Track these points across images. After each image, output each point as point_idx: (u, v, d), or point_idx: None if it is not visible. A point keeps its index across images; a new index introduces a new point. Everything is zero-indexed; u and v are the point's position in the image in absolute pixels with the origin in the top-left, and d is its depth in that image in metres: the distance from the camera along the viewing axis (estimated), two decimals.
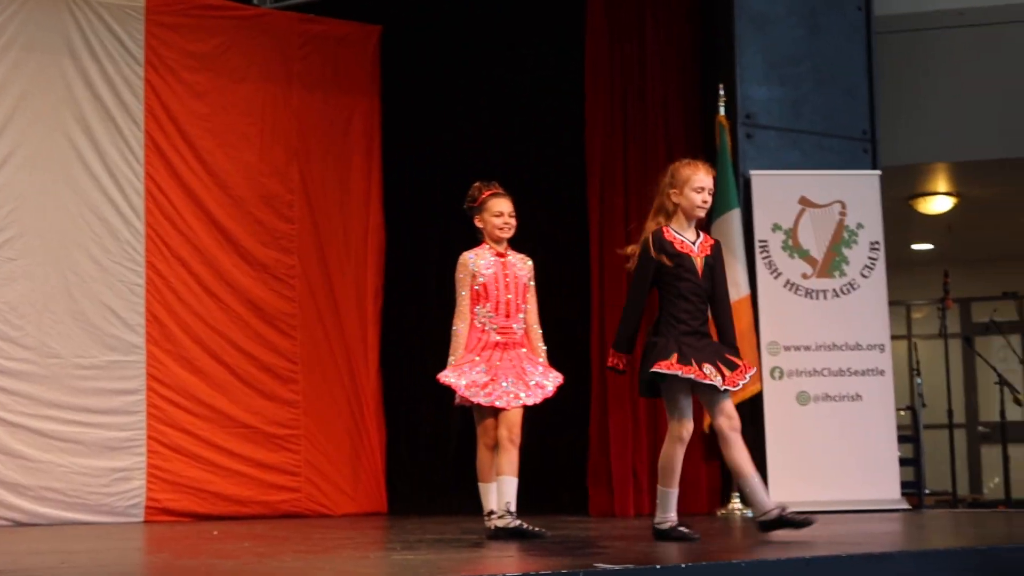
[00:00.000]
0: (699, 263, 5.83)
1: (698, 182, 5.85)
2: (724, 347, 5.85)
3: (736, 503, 8.59)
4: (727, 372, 5.74)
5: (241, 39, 10.00)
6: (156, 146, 9.60)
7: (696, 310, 5.79)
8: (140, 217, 9.51)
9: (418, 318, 10.21)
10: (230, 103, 9.91)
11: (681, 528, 5.77)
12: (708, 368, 5.68)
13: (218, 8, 9.97)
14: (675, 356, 5.66)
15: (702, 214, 5.91)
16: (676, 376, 5.66)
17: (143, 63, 9.60)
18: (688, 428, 5.77)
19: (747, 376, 5.84)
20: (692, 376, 5.65)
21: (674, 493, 5.85)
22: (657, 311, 5.88)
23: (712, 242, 5.96)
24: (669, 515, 5.83)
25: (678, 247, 5.83)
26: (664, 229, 5.88)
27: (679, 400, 5.74)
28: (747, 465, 5.79)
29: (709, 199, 5.89)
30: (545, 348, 6.47)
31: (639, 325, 5.89)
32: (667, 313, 5.81)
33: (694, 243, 5.87)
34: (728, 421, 5.78)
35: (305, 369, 9.99)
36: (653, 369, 5.67)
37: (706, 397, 5.77)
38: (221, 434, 9.57)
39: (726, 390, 5.73)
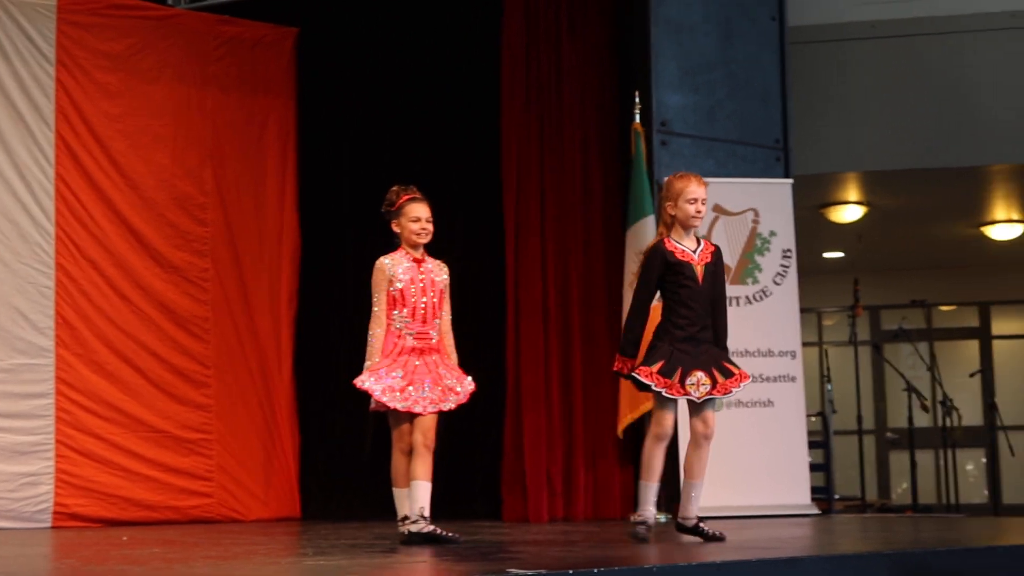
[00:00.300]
0: (700, 270, 6.09)
1: (691, 194, 6.10)
2: (723, 354, 6.11)
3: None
4: (720, 379, 6.02)
5: (155, 39, 9.89)
6: (67, 147, 9.47)
7: (696, 316, 6.05)
8: (50, 219, 9.38)
9: (333, 322, 10.16)
10: (143, 104, 9.80)
11: (640, 527, 6.06)
12: (698, 376, 5.96)
13: (132, 8, 9.85)
14: (660, 364, 5.94)
15: (697, 223, 6.16)
16: (650, 386, 5.95)
17: (54, 62, 9.46)
18: (666, 426, 6.00)
19: (742, 385, 6.10)
20: (662, 391, 5.93)
21: (652, 487, 6.10)
22: (661, 317, 6.13)
23: (712, 249, 6.21)
24: (645, 510, 6.12)
25: (679, 256, 6.09)
26: (665, 240, 6.14)
27: (659, 401, 6.01)
28: (701, 472, 6.10)
29: (703, 208, 6.14)
30: (456, 354, 6.47)
31: (642, 331, 6.13)
32: (667, 319, 6.08)
33: (695, 251, 6.14)
34: (703, 427, 6.05)
35: (218, 373, 9.90)
36: (633, 373, 5.98)
37: (692, 401, 6.02)
38: (132, 438, 9.45)
39: (709, 399, 5.99)
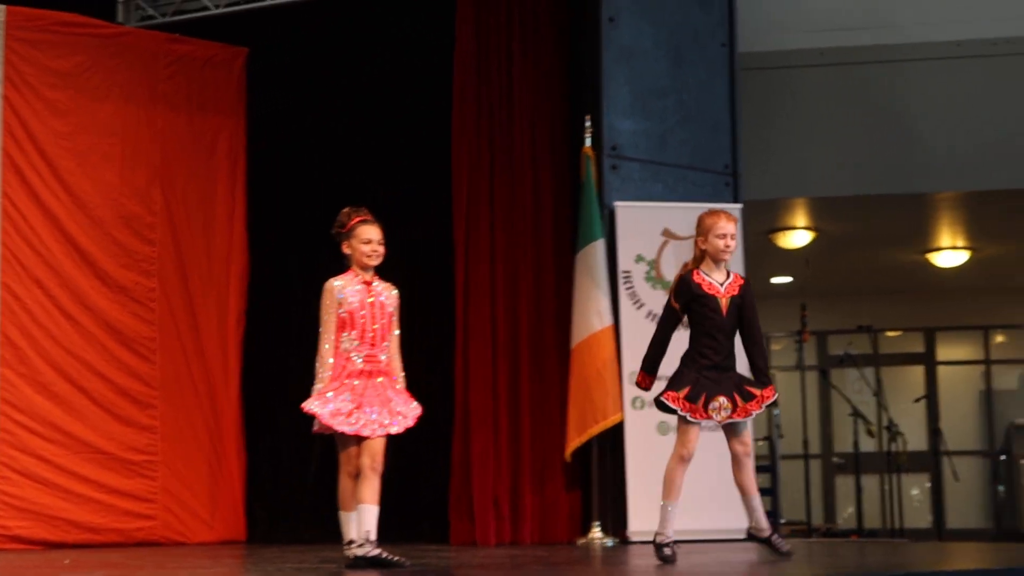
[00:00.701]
0: (724, 303, 6.35)
1: (720, 229, 6.38)
2: (745, 379, 6.39)
3: (596, 532, 8.64)
4: (741, 402, 6.30)
5: (104, 57, 9.83)
6: (13, 164, 9.38)
7: (720, 346, 6.32)
8: None
9: (281, 344, 10.11)
10: (92, 122, 9.73)
11: (666, 549, 6.26)
12: (720, 401, 6.25)
13: (81, 25, 9.78)
14: (686, 390, 6.24)
15: (727, 257, 6.41)
16: (676, 410, 6.25)
17: (2, 79, 9.37)
18: (690, 448, 6.30)
19: (763, 406, 6.36)
20: (687, 415, 6.23)
21: (675, 506, 6.36)
22: (688, 345, 6.41)
23: (742, 282, 6.45)
24: (667, 529, 6.33)
25: (705, 288, 6.35)
26: (693, 272, 6.41)
27: (684, 423, 6.29)
28: (752, 486, 6.44)
29: (732, 243, 6.40)
30: (404, 376, 6.45)
31: (663, 352, 6.45)
32: (693, 347, 6.36)
33: (722, 284, 6.39)
34: (741, 447, 6.38)
35: (164, 394, 9.81)
36: (662, 397, 6.28)
37: (725, 423, 6.34)
38: (75, 460, 9.34)
39: (739, 421, 6.33)
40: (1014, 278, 15.54)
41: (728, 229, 6.37)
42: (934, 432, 12.44)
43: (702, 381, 6.24)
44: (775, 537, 6.40)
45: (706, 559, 6.76)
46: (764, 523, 6.43)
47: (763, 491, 10.18)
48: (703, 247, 6.39)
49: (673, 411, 6.25)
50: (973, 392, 16.70)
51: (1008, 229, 13.24)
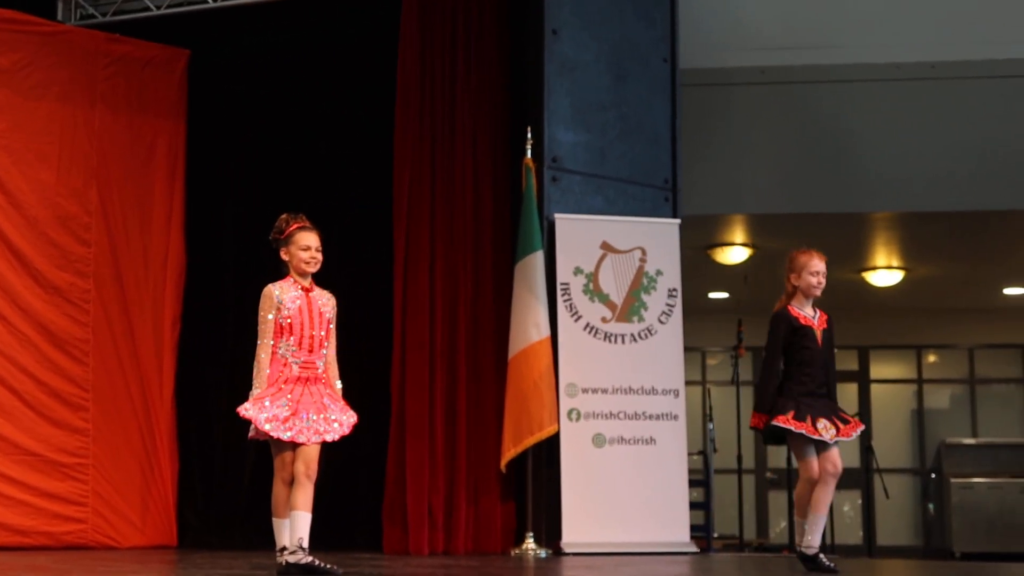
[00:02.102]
0: (819, 335, 6.80)
1: (813, 267, 6.86)
2: (838, 407, 6.80)
3: (530, 542, 8.64)
4: (841, 426, 6.66)
5: (43, 56, 9.73)
6: None
7: (816, 374, 6.73)
8: None
9: (216, 348, 10.05)
10: (28, 120, 9.63)
11: (823, 558, 6.56)
12: (823, 423, 6.60)
13: (19, 23, 9.68)
14: (792, 412, 6.59)
15: (817, 293, 6.86)
16: (790, 429, 6.58)
17: None
18: (812, 470, 6.60)
19: (855, 433, 6.70)
20: (803, 432, 6.56)
21: (815, 518, 6.61)
22: (784, 376, 6.79)
23: (827, 316, 6.92)
24: (813, 539, 6.63)
25: (803, 321, 6.80)
26: (788, 308, 6.85)
27: (801, 447, 6.64)
28: (825, 507, 6.66)
29: (823, 281, 6.87)
30: (341, 385, 6.43)
31: (775, 388, 6.74)
32: (789, 377, 6.75)
33: (814, 318, 6.85)
34: (832, 466, 6.62)
35: (96, 396, 9.72)
36: (773, 422, 6.60)
37: (820, 444, 6.62)
38: (4, 461, 9.23)
39: (836, 441, 6.62)
40: (947, 299, 15.73)
41: (821, 267, 6.84)
42: (866, 449, 12.52)
43: (803, 406, 6.60)
44: (821, 556, 6.57)
45: (637, 571, 6.79)
46: (816, 542, 6.61)
47: (696, 505, 10.30)
48: (796, 283, 6.84)
49: (786, 431, 6.56)
50: (905, 411, 16.88)
51: (942, 250, 13.41)
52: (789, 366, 6.77)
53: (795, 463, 12.06)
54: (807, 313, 6.82)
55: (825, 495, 6.63)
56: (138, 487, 9.83)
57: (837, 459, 6.64)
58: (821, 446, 6.61)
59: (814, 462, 6.60)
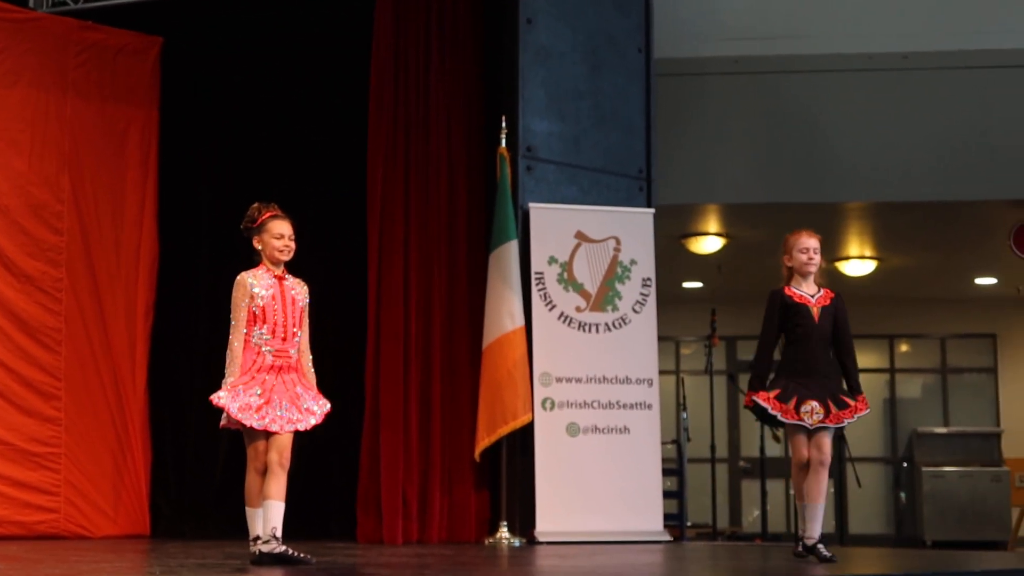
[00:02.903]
0: (816, 311, 6.68)
1: (802, 244, 6.81)
2: (840, 388, 6.65)
3: (504, 532, 8.66)
4: (834, 409, 6.52)
5: (14, 43, 9.66)
6: None
7: (812, 352, 6.62)
8: None
9: (189, 337, 10.02)
10: None
11: (820, 547, 6.50)
12: (812, 405, 6.48)
13: None
14: (776, 392, 6.53)
15: (812, 269, 6.78)
16: (766, 409, 6.51)
17: None
18: (799, 453, 6.53)
19: (856, 416, 6.57)
20: (778, 414, 6.48)
21: (808, 508, 6.57)
22: (782, 355, 6.74)
23: (833, 295, 6.81)
24: (809, 529, 6.55)
25: (796, 299, 6.72)
26: (784, 288, 6.79)
27: (789, 429, 6.57)
28: (818, 495, 6.57)
29: (816, 257, 6.79)
30: (314, 373, 6.42)
31: (768, 369, 6.70)
32: (785, 357, 6.70)
33: (812, 296, 6.74)
34: (817, 453, 6.52)
35: (68, 385, 9.67)
36: (754, 398, 6.55)
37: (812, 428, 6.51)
38: None
39: (824, 426, 6.49)
40: (919, 288, 15.80)
41: (810, 244, 6.77)
42: (838, 439, 12.58)
43: (792, 386, 6.51)
44: (820, 546, 6.51)
45: (610, 560, 6.80)
46: (815, 532, 6.54)
47: (670, 494, 10.34)
48: (789, 264, 6.79)
49: (764, 410, 6.47)
50: (877, 400, 16.95)
51: (914, 240, 13.47)
52: (786, 346, 6.73)
53: (768, 452, 12.20)
54: (803, 291, 6.75)
55: (814, 483, 6.54)
56: (111, 476, 9.79)
57: (824, 445, 6.53)
58: (812, 430, 6.52)
59: (801, 446, 6.53)
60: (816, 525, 6.57)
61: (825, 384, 6.58)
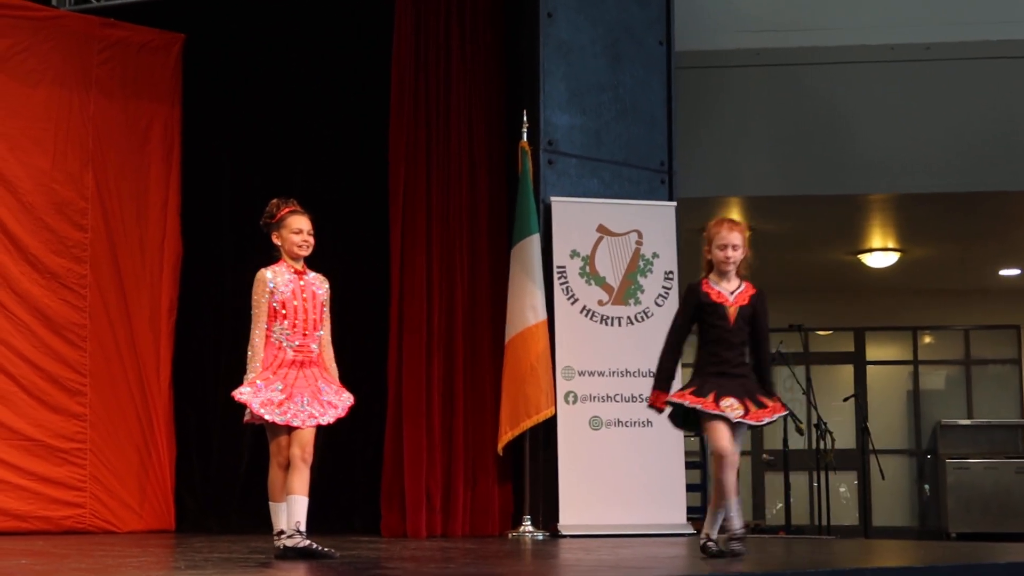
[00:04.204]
0: (732, 312, 6.26)
1: (721, 240, 6.33)
2: (759, 388, 6.26)
3: (527, 525, 8.67)
4: (753, 408, 6.16)
5: (38, 41, 9.72)
6: None
7: (727, 354, 6.24)
8: None
9: (213, 333, 10.06)
10: (23, 106, 9.62)
11: (710, 544, 6.12)
12: (730, 401, 6.10)
13: (13, 8, 9.67)
14: (692, 388, 6.16)
15: (729, 268, 6.32)
16: (683, 405, 6.15)
17: None
18: (719, 445, 6.08)
19: (774, 417, 6.22)
20: (697, 406, 6.10)
21: (723, 507, 6.16)
22: (696, 353, 6.34)
23: (753, 292, 6.36)
24: (710, 531, 6.18)
25: (713, 297, 6.29)
26: (703, 281, 6.36)
27: (708, 423, 6.12)
28: (725, 494, 6.15)
29: (733, 253, 6.31)
30: (337, 367, 6.44)
31: (674, 366, 6.35)
32: (700, 356, 6.31)
33: (731, 293, 6.31)
34: (734, 449, 6.13)
35: (94, 381, 9.73)
36: (669, 397, 6.21)
37: (730, 425, 6.13)
38: (3, 446, 9.26)
39: (740, 423, 6.13)
40: (942, 280, 15.74)
41: (729, 239, 6.31)
42: (862, 431, 12.54)
43: (708, 383, 6.17)
44: (735, 543, 6.12)
45: (634, 553, 6.81)
46: (735, 524, 6.16)
47: (693, 487, 10.32)
48: (709, 257, 6.37)
49: (680, 405, 6.15)
50: (901, 392, 16.90)
51: (937, 232, 13.42)
52: (700, 345, 6.33)
53: (791, 444, 12.17)
54: (722, 288, 6.30)
55: (716, 477, 6.16)
56: (136, 472, 9.85)
57: (738, 445, 6.15)
58: (731, 428, 6.10)
59: (720, 438, 6.07)
60: (717, 525, 6.19)
61: (743, 383, 6.21)
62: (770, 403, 6.22)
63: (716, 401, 6.09)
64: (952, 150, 11.15)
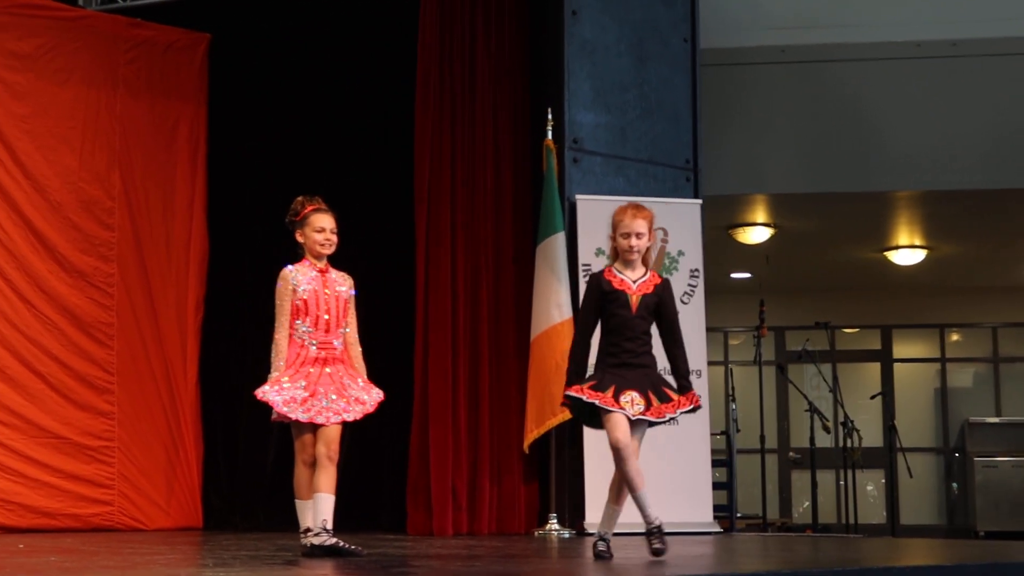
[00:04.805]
0: (635, 300, 6.04)
1: (623, 227, 6.10)
2: (665, 381, 6.06)
3: (553, 523, 8.67)
4: (656, 402, 5.95)
5: (65, 41, 9.77)
6: None
7: (629, 344, 6.01)
8: None
9: (239, 331, 10.09)
10: (51, 105, 9.68)
11: (600, 545, 5.98)
12: (631, 395, 5.90)
13: (42, 8, 9.73)
14: (592, 382, 5.95)
15: (632, 256, 6.09)
16: (581, 399, 5.93)
17: None
18: (613, 441, 5.87)
19: (679, 412, 6.01)
20: (595, 401, 5.89)
21: (618, 508, 6.06)
22: (599, 343, 6.12)
23: (659, 281, 6.14)
24: (606, 530, 6.06)
25: (615, 285, 6.07)
26: (606, 269, 6.15)
27: (607, 418, 5.92)
28: (643, 481, 5.98)
29: (637, 242, 6.08)
30: (364, 365, 6.45)
31: (585, 359, 6.10)
32: (602, 346, 6.09)
33: (635, 281, 6.08)
34: (632, 444, 5.91)
35: (121, 380, 9.78)
36: (566, 392, 6.00)
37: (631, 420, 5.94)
38: (31, 444, 9.30)
39: (642, 420, 5.93)
40: (970, 277, 15.68)
41: (633, 227, 6.09)
42: (889, 429, 12.51)
43: (608, 376, 5.95)
44: (655, 540, 5.93)
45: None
46: (650, 517, 5.98)
47: (719, 485, 10.30)
48: (613, 244, 6.17)
49: (579, 399, 5.93)
50: (928, 389, 16.85)
51: (965, 229, 13.36)
52: (602, 334, 6.10)
53: (818, 442, 12.15)
54: (625, 276, 6.08)
55: (620, 472, 5.95)
56: (163, 469, 9.90)
57: (638, 440, 5.96)
58: (632, 423, 5.91)
59: (617, 431, 5.86)
60: (610, 522, 6.06)
61: (648, 375, 6.00)
62: (676, 396, 6.02)
63: (616, 396, 5.90)
64: (979, 147, 11.11)
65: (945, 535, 15.13)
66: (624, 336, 6.02)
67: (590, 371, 6.10)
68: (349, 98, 10.14)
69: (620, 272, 6.11)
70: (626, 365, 5.98)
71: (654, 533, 5.93)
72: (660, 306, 6.10)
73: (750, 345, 12.94)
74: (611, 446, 5.92)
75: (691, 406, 6.06)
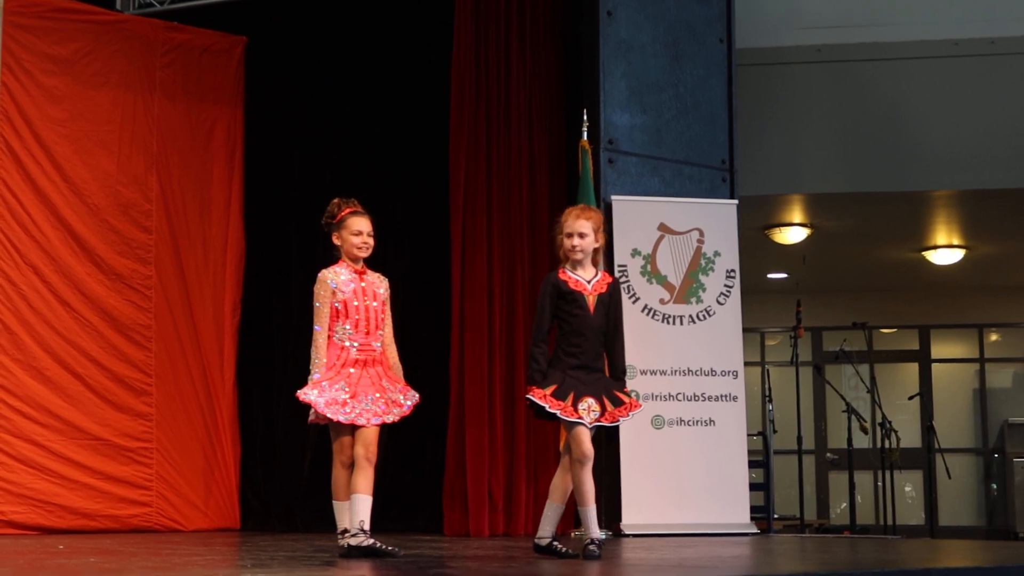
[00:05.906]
0: (591, 300, 6.11)
1: (567, 228, 6.17)
2: (615, 383, 6.16)
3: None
4: (610, 407, 6.06)
5: (102, 44, 9.83)
6: (10, 150, 9.39)
7: (587, 344, 6.09)
8: None
9: (277, 333, 10.13)
10: (89, 109, 9.74)
11: (556, 544, 6.15)
12: (589, 402, 6.00)
13: (79, 12, 9.79)
14: (552, 388, 6.01)
15: (575, 256, 6.15)
16: (544, 407, 6.00)
17: None
18: (581, 454, 5.99)
19: (631, 415, 6.13)
20: (557, 412, 5.97)
21: (558, 509, 6.25)
22: (555, 345, 6.17)
23: (610, 280, 6.23)
24: (546, 530, 6.20)
25: (571, 286, 6.12)
26: (560, 270, 6.18)
27: (568, 427, 6.02)
28: (564, 497, 6.25)
29: (580, 242, 6.13)
30: (401, 366, 6.46)
31: (544, 362, 6.13)
32: (560, 347, 6.12)
33: (589, 281, 6.15)
34: (581, 451, 6.02)
35: (159, 381, 9.84)
36: (527, 395, 6.05)
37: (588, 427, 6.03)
38: (71, 446, 9.37)
39: (599, 425, 6.04)
40: (1009, 277, 15.57)
41: (576, 227, 6.15)
42: (928, 429, 12.44)
43: (568, 380, 6.02)
44: (556, 544, 6.19)
45: (697, 552, 6.78)
46: (593, 532, 6.13)
47: (756, 486, 10.27)
48: (559, 245, 6.22)
49: (541, 408, 6.01)
50: (967, 390, 16.73)
51: (1003, 228, 13.27)
52: (560, 335, 6.13)
53: (856, 443, 12.09)
54: (579, 276, 6.15)
55: (578, 482, 6.07)
56: (201, 471, 9.94)
57: (589, 446, 6.02)
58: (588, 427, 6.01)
59: (584, 441, 5.99)
60: (549, 524, 6.22)
61: (601, 379, 6.11)
62: (627, 399, 6.14)
63: (575, 404, 5.99)
64: (1017, 145, 11.02)
65: (984, 536, 15.02)
66: (582, 337, 6.09)
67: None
68: (384, 101, 10.15)
69: (572, 272, 6.18)
70: (584, 367, 6.07)
71: (595, 542, 6.06)
72: (609, 305, 6.17)
73: (787, 346, 12.90)
74: (576, 459, 6.03)
75: (641, 408, 6.23)
